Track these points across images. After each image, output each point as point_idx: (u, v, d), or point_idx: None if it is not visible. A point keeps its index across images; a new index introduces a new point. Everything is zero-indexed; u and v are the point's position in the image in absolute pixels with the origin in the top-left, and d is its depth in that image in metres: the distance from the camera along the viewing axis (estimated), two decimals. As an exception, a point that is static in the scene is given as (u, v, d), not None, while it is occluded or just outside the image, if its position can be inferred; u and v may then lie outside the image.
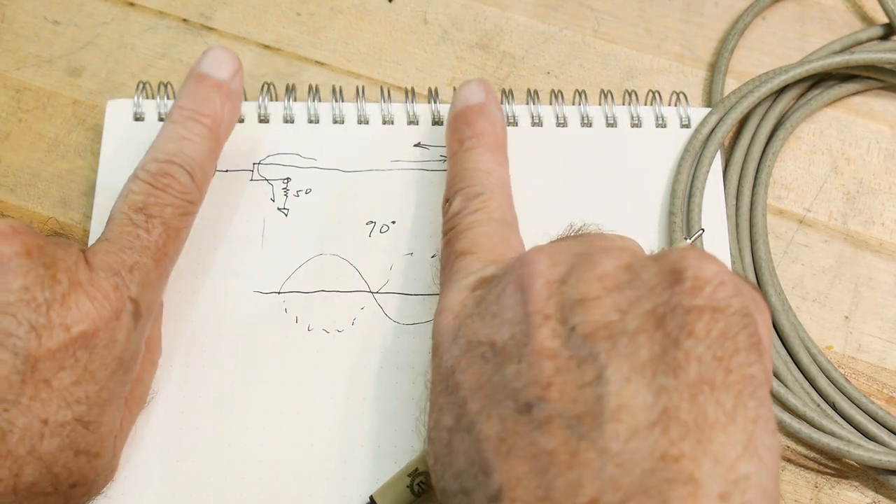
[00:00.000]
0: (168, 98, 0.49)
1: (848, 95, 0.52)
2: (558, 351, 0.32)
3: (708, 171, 0.48)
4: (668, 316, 0.31)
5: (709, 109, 0.50)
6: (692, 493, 0.28)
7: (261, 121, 0.49)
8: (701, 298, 0.31)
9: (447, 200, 0.42)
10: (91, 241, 0.46)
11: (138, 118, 0.49)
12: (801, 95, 0.52)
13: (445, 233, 0.41)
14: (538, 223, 0.46)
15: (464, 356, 0.34)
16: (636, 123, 0.49)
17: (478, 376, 0.33)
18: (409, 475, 0.39)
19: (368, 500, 0.40)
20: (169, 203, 0.40)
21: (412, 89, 0.50)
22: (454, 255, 0.40)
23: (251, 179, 0.47)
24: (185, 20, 0.53)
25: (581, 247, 0.35)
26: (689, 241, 0.45)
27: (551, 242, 0.36)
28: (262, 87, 0.49)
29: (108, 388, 0.37)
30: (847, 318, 0.47)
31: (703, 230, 0.46)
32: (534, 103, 0.49)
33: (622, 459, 0.29)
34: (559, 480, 0.29)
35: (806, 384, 0.45)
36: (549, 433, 0.30)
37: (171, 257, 0.40)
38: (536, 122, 0.49)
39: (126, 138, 0.48)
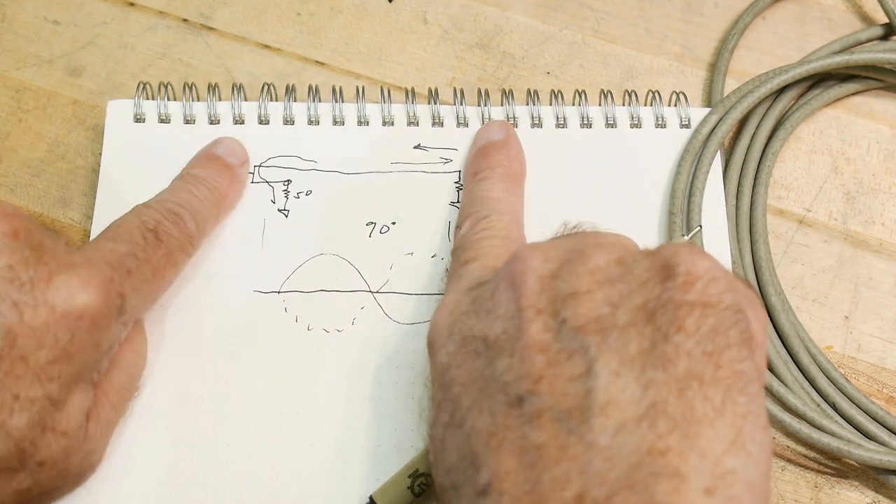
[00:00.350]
0: (168, 99, 0.49)
1: (848, 95, 0.52)
2: (549, 344, 0.32)
3: (708, 172, 0.48)
4: (658, 310, 0.31)
5: (709, 109, 0.50)
6: (677, 487, 0.28)
7: (261, 122, 0.49)
8: (692, 294, 0.31)
9: (458, 227, 0.44)
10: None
11: (139, 119, 0.49)
12: (801, 95, 0.52)
13: (453, 251, 0.42)
14: (538, 223, 0.46)
15: (458, 352, 0.35)
16: (636, 124, 0.49)
17: (470, 371, 0.34)
18: (409, 476, 0.39)
19: (368, 500, 0.40)
20: (175, 235, 0.42)
21: (412, 89, 0.50)
22: (458, 264, 0.40)
23: (252, 182, 0.47)
24: (185, 20, 0.53)
25: (574, 243, 0.35)
26: (686, 238, 0.45)
27: (545, 240, 0.36)
28: (263, 87, 0.49)
29: (79, 371, 0.37)
30: (847, 318, 0.47)
31: (701, 227, 0.46)
32: (534, 104, 0.49)
33: (610, 454, 0.29)
34: (547, 474, 0.29)
35: (806, 384, 0.45)
36: (540, 427, 0.30)
37: (166, 280, 0.42)
38: (536, 123, 0.49)
39: (127, 140, 0.48)
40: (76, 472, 0.39)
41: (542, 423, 0.30)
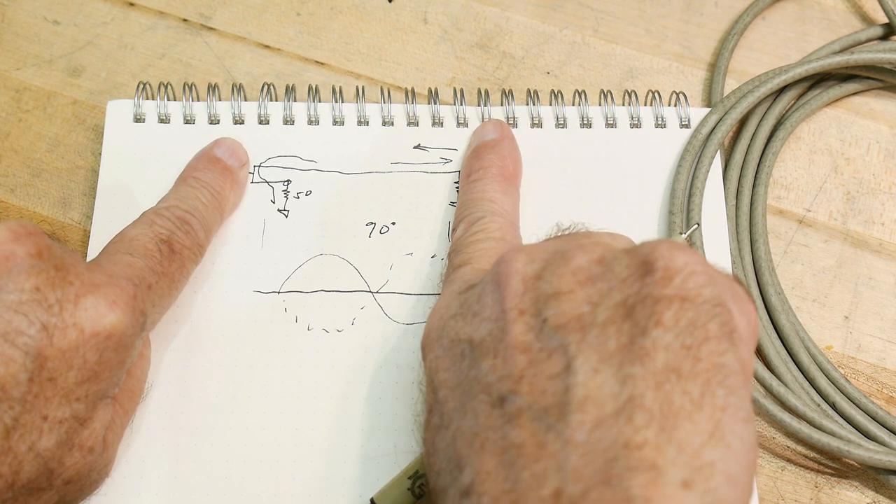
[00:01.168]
0: (168, 99, 0.49)
1: (848, 95, 0.52)
2: (531, 344, 0.32)
3: (708, 171, 0.48)
4: (637, 306, 0.31)
5: (709, 109, 0.50)
6: (653, 480, 0.28)
7: (261, 122, 0.49)
8: (670, 288, 0.31)
9: (454, 229, 0.44)
10: (91, 242, 0.46)
11: (138, 119, 0.49)
12: (801, 95, 0.52)
13: (448, 255, 0.43)
14: (538, 223, 0.46)
15: (445, 355, 0.35)
16: (636, 124, 0.49)
17: (456, 374, 0.34)
18: (409, 477, 0.39)
19: (370, 502, 0.40)
20: (188, 246, 0.42)
21: (412, 90, 0.50)
22: (451, 269, 0.41)
23: (252, 182, 0.47)
24: (185, 20, 0.53)
25: (560, 244, 0.35)
26: (683, 236, 0.45)
27: (534, 242, 0.37)
28: (262, 87, 0.49)
29: (104, 388, 0.37)
30: (847, 318, 0.47)
31: (699, 225, 0.46)
32: (533, 104, 0.49)
33: (587, 450, 0.29)
34: (525, 473, 0.29)
35: (806, 384, 0.45)
36: (519, 426, 0.30)
37: (179, 291, 0.42)
38: (536, 123, 0.49)
39: (126, 139, 0.48)
40: (95, 483, 0.40)
41: (522, 422, 0.30)
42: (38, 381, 0.35)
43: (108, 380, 0.37)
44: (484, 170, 0.45)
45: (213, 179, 0.45)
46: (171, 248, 0.41)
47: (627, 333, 0.31)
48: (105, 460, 0.39)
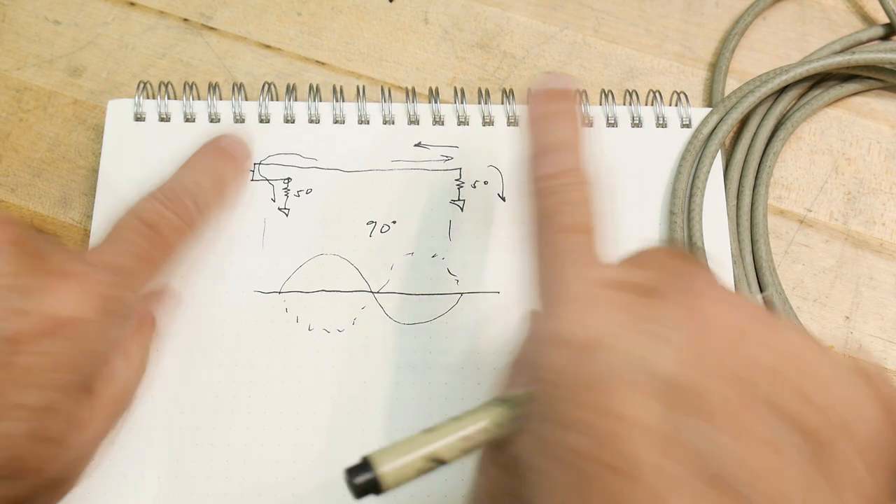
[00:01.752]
0: (169, 98, 0.49)
1: (849, 95, 0.52)
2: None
3: (709, 171, 0.48)
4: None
5: (709, 109, 0.50)
6: None
7: (261, 121, 0.49)
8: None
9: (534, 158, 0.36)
10: (92, 241, 0.46)
11: (139, 118, 0.49)
12: (802, 95, 0.52)
13: (536, 194, 0.35)
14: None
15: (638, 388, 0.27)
16: (637, 123, 0.49)
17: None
18: (430, 460, 0.32)
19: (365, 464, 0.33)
20: (176, 225, 0.41)
21: (413, 89, 0.50)
22: (556, 230, 0.33)
23: (252, 180, 0.47)
24: (185, 20, 0.53)
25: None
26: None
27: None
28: (263, 86, 0.49)
29: (78, 379, 0.37)
30: (848, 318, 0.47)
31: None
32: (534, 103, 0.49)
33: None
34: None
35: (807, 384, 0.45)
36: None
37: (164, 271, 0.41)
38: (537, 122, 0.49)
39: (127, 139, 0.48)
40: (67, 481, 0.39)
41: None
42: (9, 366, 0.34)
43: (82, 369, 0.37)
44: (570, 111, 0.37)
45: (217, 165, 0.45)
46: (156, 231, 0.41)
47: None
48: (73, 457, 0.38)
